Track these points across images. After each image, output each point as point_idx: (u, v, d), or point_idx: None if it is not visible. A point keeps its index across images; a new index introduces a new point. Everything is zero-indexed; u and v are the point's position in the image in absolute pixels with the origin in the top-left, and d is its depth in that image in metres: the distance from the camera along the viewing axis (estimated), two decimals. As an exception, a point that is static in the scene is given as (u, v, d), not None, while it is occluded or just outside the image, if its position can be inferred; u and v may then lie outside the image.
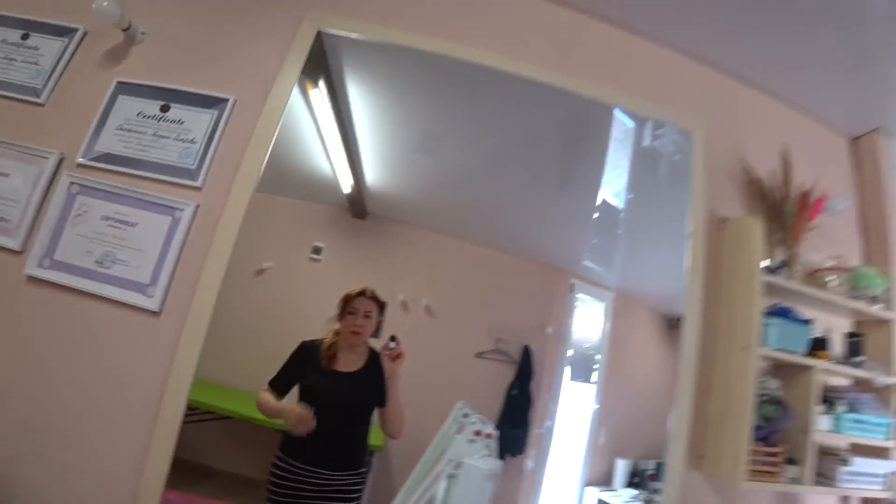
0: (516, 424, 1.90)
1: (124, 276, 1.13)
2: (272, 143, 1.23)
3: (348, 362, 1.26)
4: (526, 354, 1.95)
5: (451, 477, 0.90)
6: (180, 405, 1.06)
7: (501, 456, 1.51)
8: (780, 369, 1.36)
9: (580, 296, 2.04)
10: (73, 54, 1.37)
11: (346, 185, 1.84)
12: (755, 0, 1.41)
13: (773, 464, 1.18)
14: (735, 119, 1.66)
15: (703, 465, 1.24)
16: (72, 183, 1.20)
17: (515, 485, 1.87)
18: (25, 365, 1.13)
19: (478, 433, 0.88)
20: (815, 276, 1.49)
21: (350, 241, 1.94)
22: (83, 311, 1.13)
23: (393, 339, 1.26)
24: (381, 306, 1.35)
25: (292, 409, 1.14)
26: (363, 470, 1.26)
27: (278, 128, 1.25)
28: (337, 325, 1.28)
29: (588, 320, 2.02)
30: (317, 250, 1.81)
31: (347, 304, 1.28)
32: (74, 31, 1.39)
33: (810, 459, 1.23)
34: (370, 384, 1.23)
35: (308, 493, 1.17)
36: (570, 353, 2.01)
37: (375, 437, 1.29)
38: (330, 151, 1.74)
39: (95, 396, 1.10)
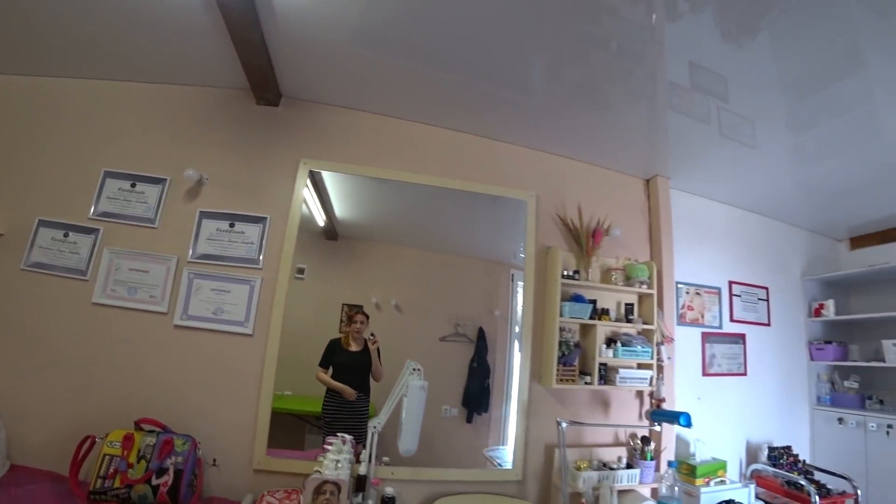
0: (479, 389, 2.39)
1: (229, 318, 2.15)
2: (295, 237, 2.27)
3: (354, 346, 2.30)
4: (481, 334, 2.42)
5: (404, 395, 1.95)
6: (271, 383, 2.12)
7: (469, 415, 2.38)
8: (583, 327, 2.50)
9: (520, 283, 2.50)
10: (166, 195, 2.33)
11: (321, 220, 2.40)
12: (565, 97, 2.18)
13: (571, 375, 2.32)
14: (558, 182, 2.70)
15: (540, 380, 2.38)
16: (189, 272, 2.21)
17: (485, 434, 2.39)
18: (187, 371, 2.13)
19: (415, 370, 1.95)
20: (608, 274, 2.63)
21: (326, 260, 2.37)
22: (210, 339, 2.15)
23: (372, 334, 2.30)
24: (367, 315, 2.33)
25: (344, 387, 2.21)
26: (366, 396, 2.27)
27: (297, 226, 2.28)
28: (348, 328, 2.31)
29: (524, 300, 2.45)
30: (300, 271, 2.27)
31: (351, 316, 2.32)
32: (163, 180, 2.33)
33: (596, 372, 2.37)
34: (365, 356, 2.28)
35: (343, 410, 2.22)
36: (517, 329, 2.46)
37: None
38: (313, 206, 2.39)
39: (227, 381, 2.12)
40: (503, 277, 2.53)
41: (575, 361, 2.36)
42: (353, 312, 2.32)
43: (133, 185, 2.34)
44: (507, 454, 2.35)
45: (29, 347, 2.16)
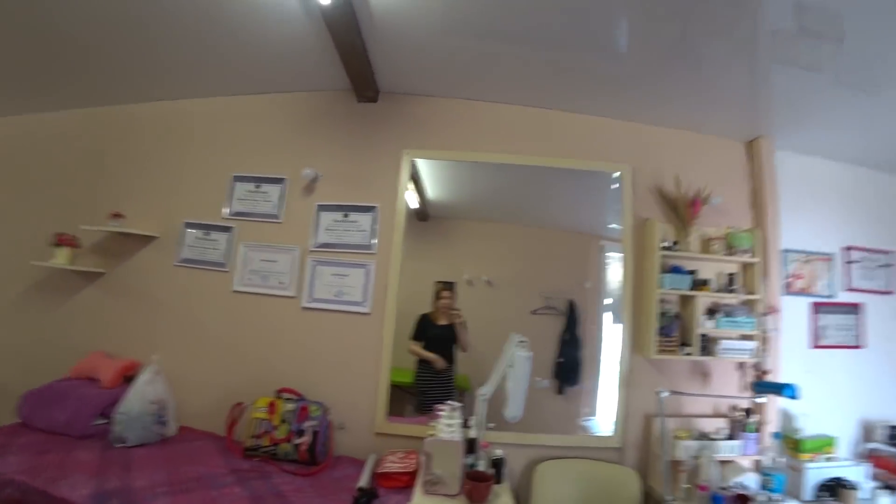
0: (571, 362, 2.42)
1: (349, 299, 2.42)
2: (403, 222, 2.46)
3: (443, 320, 2.48)
4: (571, 307, 2.43)
5: (510, 366, 2.09)
6: (389, 356, 2.37)
7: (561, 387, 2.50)
8: (682, 298, 2.48)
9: (610, 254, 2.48)
10: (287, 193, 2.62)
11: (415, 202, 2.55)
12: (657, 59, 2.09)
13: (672, 345, 2.33)
14: (653, 152, 2.64)
15: (639, 351, 2.41)
16: (312, 260, 2.49)
17: (576, 405, 2.43)
18: (315, 347, 2.44)
19: (521, 341, 2.08)
20: (708, 243, 2.57)
21: (419, 240, 2.48)
22: (333, 319, 2.44)
23: (456, 308, 2.45)
24: (453, 290, 2.47)
25: (436, 358, 2.41)
26: (452, 366, 2.45)
27: (404, 212, 2.47)
28: (435, 302, 2.48)
29: (620, 273, 2.43)
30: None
31: (438, 292, 2.48)
32: (283, 180, 2.62)
33: (696, 342, 2.36)
34: (452, 329, 2.45)
35: (433, 380, 2.43)
36: (608, 301, 2.48)
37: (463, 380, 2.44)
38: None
39: (349, 353, 2.40)
40: (592, 249, 2.54)
41: (675, 332, 2.36)
42: (439, 289, 2.48)
43: (258, 186, 2.66)
44: (600, 425, 2.41)
45: (186, 330, 2.59)
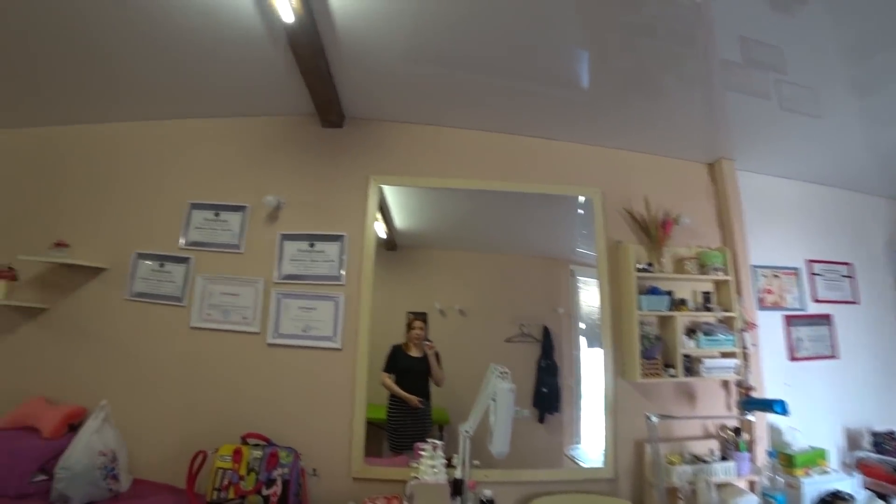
0: (549, 389, 2.35)
1: (318, 334, 2.26)
2: (373, 251, 2.35)
3: (415, 352, 2.37)
4: (546, 333, 2.39)
5: (493, 399, 1.98)
6: (363, 393, 2.21)
7: (542, 415, 2.39)
8: (661, 319, 2.46)
9: (581, 278, 2.48)
10: (248, 221, 2.47)
11: (382, 232, 2.45)
12: (617, 89, 2.17)
13: (655, 368, 2.29)
14: (622, 176, 2.67)
15: (623, 375, 2.36)
16: (276, 293, 2.34)
17: (559, 433, 2.35)
18: (282, 386, 2.26)
19: (501, 373, 1.98)
20: (681, 263, 2.58)
21: (388, 270, 2.39)
22: (302, 355, 2.27)
23: (427, 339, 2.35)
24: (425, 321, 2.39)
25: (410, 397, 2.28)
26: (426, 401, 2.32)
27: (374, 241, 2.36)
28: (407, 333, 2.37)
29: (592, 297, 2.42)
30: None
31: (410, 323, 2.38)
32: (245, 208, 2.47)
33: (679, 363, 2.33)
34: (425, 361, 2.34)
35: (408, 416, 2.29)
36: (582, 326, 2.46)
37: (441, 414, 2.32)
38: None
39: (320, 391, 2.23)
40: (563, 274, 2.53)
41: (657, 354, 2.33)
42: (411, 319, 2.39)
43: (217, 214, 2.50)
44: (586, 452, 2.33)
45: (138, 371, 2.36)
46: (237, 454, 2.01)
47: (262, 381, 2.28)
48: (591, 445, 2.33)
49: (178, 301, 2.40)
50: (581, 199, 2.60)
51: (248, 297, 2.35)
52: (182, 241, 2.48)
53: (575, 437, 2.38)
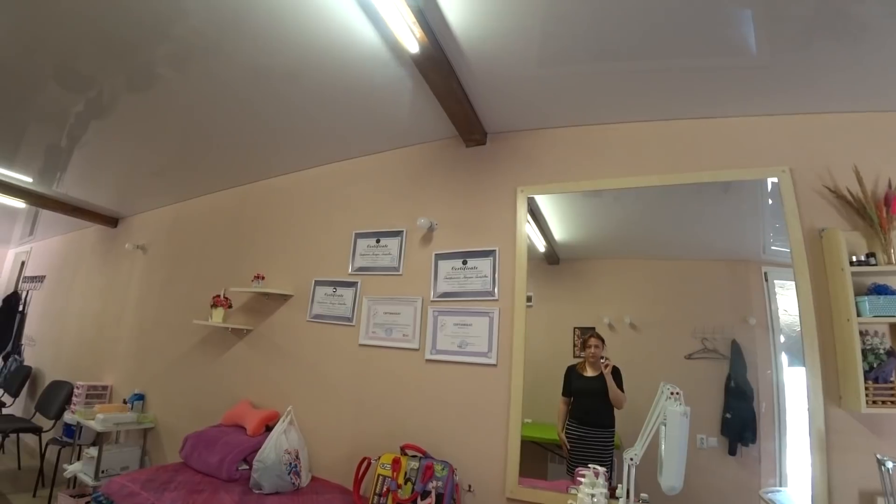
0: (742, 415, 2.04)
1: (474, 350, 2.28)
2: (525, 264, 2.29)
3: (591, 371, 2.21)
4: (735, 348, 2.06)
5: (662, 424, 1.74)
6: (519, 412, 2.14)
7: (733, 447, 2.06)
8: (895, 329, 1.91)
9: (778, 282, 2.09)
10: (405, 245, 2.64)
11: (541, 246, 2.43)
12: (797, 38, 1.73)
13: (890, 394, 1.77)
14: (817, 146, 2.12)
15: (842, 404, 1.87)
16: (433, 311, 2.43)
17: (755, 470, 1.98)
18: (439, 400, 2.32)
19: (672, 393, 1.73)
20: (921, 250, 1.98)
21: (551, 284, 2.34)
22: (458, 371, 2.30)
23: (603, 357, 2.16)
24: (601, 338, 2.22)
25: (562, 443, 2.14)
26: (611, 428, 2.13)
27: (525, 253, 2.30)
28: (583, 352, 2.24)
29: (792, 304, 1.98)
30: (528, 298, 2.27)
31: (585, 340, 2.24)
32: (401, 232, 2.65)
33: (928, 385, 1.77)
34: (602, 381, 2.15)
35: (586, 445, 2.13)
36: (781, 339, 2.09)
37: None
38: (532, 233, 2.40)
39: (477, 410, 2.23)
40: (753, 278, 2.14)
41: (893, 376, 1.81)
42: (586, 336, 2.23)
43: (378, 241, 2.73)
44: (792, 498, 1.88)
45: (318, 382, 2.70)
46: (396, 463, 2.13)
47: (421, 394, 2.37)
48: (799, 489, 1.88)
49: (349, 321, 2.67)
50: (768, 183, 2.17)
51: (408, 315, 2.49)
52: (350, 267, 2.76)
53: (777, 478, 1.93)
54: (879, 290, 1.88)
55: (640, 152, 2.32)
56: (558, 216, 2.46)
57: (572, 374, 2.24)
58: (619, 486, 1.76)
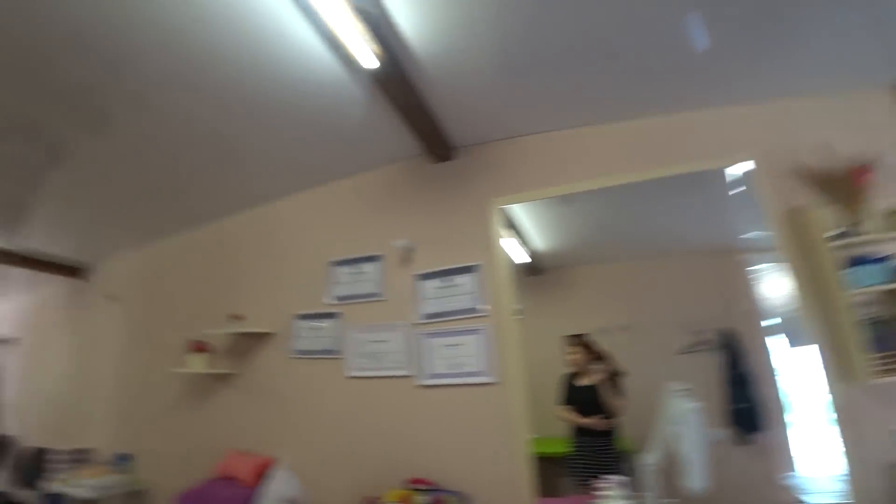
0: (744, 403, 2.06)
1: (468, 370, 2.20)
2: (509, 275, 2.23)
3: (584, 380, 2.16)
4: (729, 336, 2.14)
5: (676, 425, 1.69)
6: (524, 427, 2.07)
7: (744, 437, 1.96)
8: (886, 295, 1.90)
9: (759, 266, 2.13)
10: (384, 269, 2.55)
11: (524, 257, 2.42)
12: (746, 28, 1.77)
13: (889, 363, 1.76)
14: (780, 130, 2.15)
15: (848, 379, 1.82)
16: (418, 333, 2.35)
17: (767, 457, 2.00)
18: (440, 426, 2.23)
19: (681, 391, 1.69)
20: (893, 217, 2.00)
21: (537, 295, 2.37)
22: (456, 393, 2.22)
23: (592, 364, 2.13)
24: (583, 343, 2.16)
25: (590, 421, 2.09)
26: (610, 434, 2.09)
27: (507, 263, 2.25)
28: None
29: (779, 285, 1.95)
30: (519, 311, 2.24)
31: (565, 346, 2.19)
32: (379, 256, 2.56)
33: (924, 350, 1.77)
34: (594, 390, 2.10)
35: (586, 450, 2.08)
36: (773, 321, 2.07)
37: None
38: (512, 246, 2.43)
39: (481, 429, 2.15)
40: (734, 264, 2.18)
41: (892, 344, 1.81)
42: (566, 343, 2.21)
43: (356, 267, 2.63)
44: (808, 481, 1.85)
45: (307, 421, 2.57)
46: (404, 501, 2.02)
47: (421, 424, 2.28)
48: (812, 472, 1.85)
49: (334, 353, 2.56)
50: (738, 170, 2.16)
51: (397, 341, 2.40)
52: (330, 297, 2.65)
53: (789, 463, 1.93)
54: (861, 261, 1.89)
55: (609, 153, 2.31)
56: (535, 225, 2.44)
57: (566, 383, 2.19)
58: (643, 493, 1.69)
